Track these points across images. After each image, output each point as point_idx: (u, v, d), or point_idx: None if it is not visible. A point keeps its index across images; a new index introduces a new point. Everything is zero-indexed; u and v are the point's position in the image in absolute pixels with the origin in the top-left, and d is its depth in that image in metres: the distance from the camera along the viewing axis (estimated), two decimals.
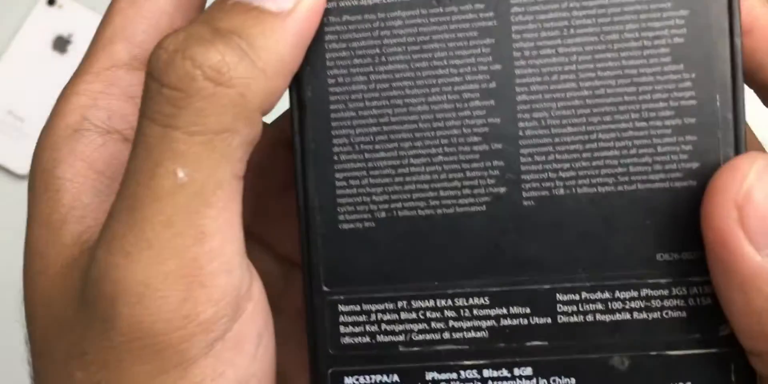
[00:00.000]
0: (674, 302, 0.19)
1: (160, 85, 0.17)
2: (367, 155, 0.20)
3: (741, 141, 0.19)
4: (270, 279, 0.24)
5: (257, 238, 0.25)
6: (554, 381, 0.20)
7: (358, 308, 0.20)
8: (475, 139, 0.19)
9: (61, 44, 0.61)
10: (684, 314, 0.19)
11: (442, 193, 0.20)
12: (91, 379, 0.18)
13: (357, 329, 0.20)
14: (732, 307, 0.18)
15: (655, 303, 0.19)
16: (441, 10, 0.19)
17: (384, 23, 0.19)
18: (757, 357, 0.18)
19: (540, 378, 0.20)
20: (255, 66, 0.17)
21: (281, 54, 0.18)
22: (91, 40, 0.21)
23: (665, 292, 0.19)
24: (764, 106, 0.21)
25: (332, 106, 0.20)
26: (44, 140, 0.20)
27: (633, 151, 0.19)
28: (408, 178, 0.20)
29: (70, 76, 0.21)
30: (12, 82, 0.61)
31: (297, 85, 0.20)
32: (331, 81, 0.20)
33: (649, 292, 0.19)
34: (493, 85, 0.19)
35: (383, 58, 0.19)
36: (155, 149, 0.17)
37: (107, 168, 0.20)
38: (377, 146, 0.20)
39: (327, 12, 0.19)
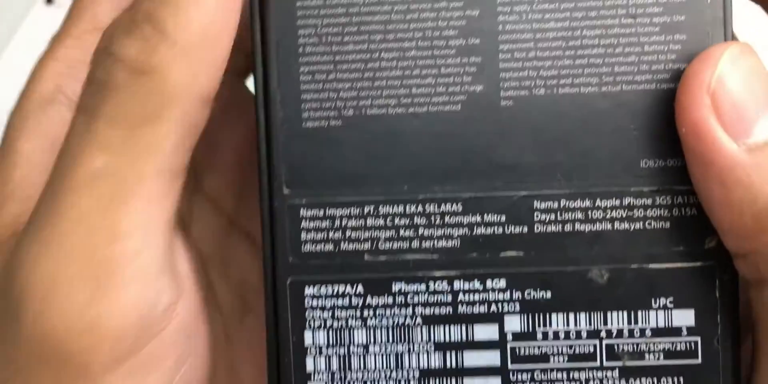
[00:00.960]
0: (658, 212, 0.18)
1: (90, 81, 0.17)
2: (334, 48, 0.18)
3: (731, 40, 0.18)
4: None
5: (244, 232, 0.23)
6: (529, 294, 0.18)
7: (321, 213, 0.19)
8: (451, 32, 0.18)
9: None
10: (668, 225, 0.18)
11: (414, 91, 0.18)
12: None
13: (319, 236, 0.19)
14: (712, 202, 0.17)
15: (638, 213, 0.18)
16: None
17: None
18: (743, 258, 0.17)
19: (514, 290, 0.18)
20: (173, 48, 0.16)
21: (202, 26, 0.16)
22: None
23: (648, 201, 0.18)
24: None
25: None
26: (18, 106, 0.20)
27: (618, 50, 0.18)
28: (378, 74, 0.18)
29: (52, 37, 0.20)
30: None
31: None
32: None
33: (632, 200, 0.18)
34: None
35: None
36: (78, 138, 0.17)
37: None
38: (346, 38, 0.18)
39: None
